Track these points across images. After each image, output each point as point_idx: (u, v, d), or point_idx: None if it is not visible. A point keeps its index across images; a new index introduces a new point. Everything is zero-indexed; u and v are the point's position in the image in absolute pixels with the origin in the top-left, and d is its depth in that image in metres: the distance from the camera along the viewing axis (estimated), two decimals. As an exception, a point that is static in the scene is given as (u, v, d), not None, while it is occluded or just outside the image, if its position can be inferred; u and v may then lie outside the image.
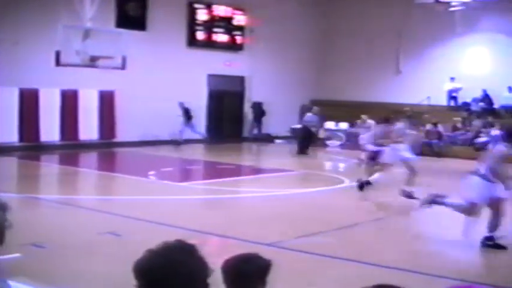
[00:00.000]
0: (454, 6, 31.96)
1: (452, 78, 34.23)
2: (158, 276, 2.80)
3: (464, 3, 31.72)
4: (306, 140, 29.68)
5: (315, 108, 30.79)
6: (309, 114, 30.41)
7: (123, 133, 28.98)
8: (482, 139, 27.72)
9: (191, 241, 2.98)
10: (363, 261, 10.41)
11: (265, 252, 4.04)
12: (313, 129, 30.23)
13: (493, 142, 15.47)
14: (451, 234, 12.94)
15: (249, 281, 3.74)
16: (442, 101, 34.42)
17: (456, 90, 34.36)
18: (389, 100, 35.10)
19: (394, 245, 11.94)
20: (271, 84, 35.37)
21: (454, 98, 34.63)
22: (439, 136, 31.24)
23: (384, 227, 13.86)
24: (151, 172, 20.64)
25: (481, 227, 11.99)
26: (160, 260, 2.83)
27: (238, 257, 3.87)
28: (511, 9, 32.48)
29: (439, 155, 29.94)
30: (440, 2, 31.57)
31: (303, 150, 29.19)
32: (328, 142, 33.65)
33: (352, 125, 32.62)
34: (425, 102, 34.27)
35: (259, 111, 34.96)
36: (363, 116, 25.66)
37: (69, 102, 27.19)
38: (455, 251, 11.85)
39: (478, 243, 11.55)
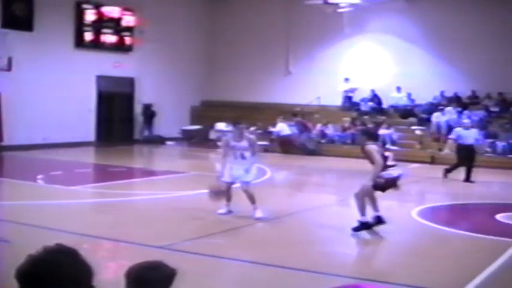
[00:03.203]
0: (342, 7, 32.50)
1: (346, 79, 34.83)
2: (38, 281, 2.74)
3: (352, 5, 32.29)
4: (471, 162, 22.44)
5: (466, 120, 24.38)
6: (460, 129, 23.11)
7: (10, 136, 28.21)
8: None
9: (83, 245, 2.90)
10: (255, 262, 10.43)
11: (157, 255, 3.98)
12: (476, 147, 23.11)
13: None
14: (339, 233, 13.13)
15: None
16: (332, 101, 34.93)
17: (352, 90, 35.01)
18: (279, 101, 35.50)
19: (286, 245, 12.02)
20: (161, 86, 35.18)
21: (349, 98, 35.23)
22: (323, 135, 32.04)
23: (275, 227, 13.92)
24: (40, 176, 20.18)
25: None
26: (40, 264, 2.78)
27: (144, 264, 3.78)
28: (398, 10, 33.31)
29: (313, 153, 30.65)
30: (329, 3, 32.03)
31: (469, 175, 22.23)
32: (219, 143, 33.62)
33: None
34: (315, 103, 34.73)
35: (149, 112, 34.71)
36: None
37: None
38: (345, 249, 12.04)
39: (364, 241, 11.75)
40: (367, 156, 12.57)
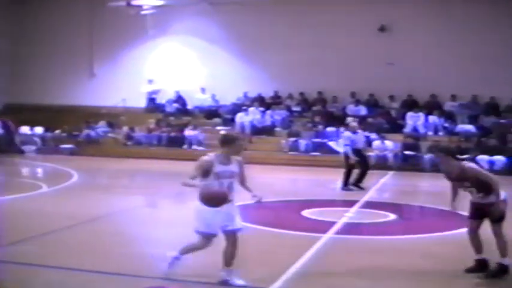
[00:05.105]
0: (145, 9, 32.63)
1: (150, 81, 34.99)
2: None
3: (155, 7, 32.50)
4: (364, 168, 20.96)
5: (353, 123, 21.43)
6: (349, 133, 21.06)
7: None
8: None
9: None
10: (67, 268, 10.34)
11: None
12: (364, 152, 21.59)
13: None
14: (148, 234, 13.24)
15: None
16: (137, 103, 34.93)
17: (155, 92, 35.21)
18: (85, 103, 35.15)
19: (97, 249, 11.96)
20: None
21: (153, 100, 35.37)
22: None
23: (85, 231, 13.81)
24: None
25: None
26: None
27: None
28: (202, 13, 33.84)
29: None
30: (132, 5, 32.08)
31: (360, 180, 20.87)
32: (24, 147, 32.81)
33: (48, 129, 32.41)
34: (121, 105, 34.61)
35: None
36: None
37: None
38: (155, 250, 12.13)
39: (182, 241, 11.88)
40: (467, 180, 9.43)
